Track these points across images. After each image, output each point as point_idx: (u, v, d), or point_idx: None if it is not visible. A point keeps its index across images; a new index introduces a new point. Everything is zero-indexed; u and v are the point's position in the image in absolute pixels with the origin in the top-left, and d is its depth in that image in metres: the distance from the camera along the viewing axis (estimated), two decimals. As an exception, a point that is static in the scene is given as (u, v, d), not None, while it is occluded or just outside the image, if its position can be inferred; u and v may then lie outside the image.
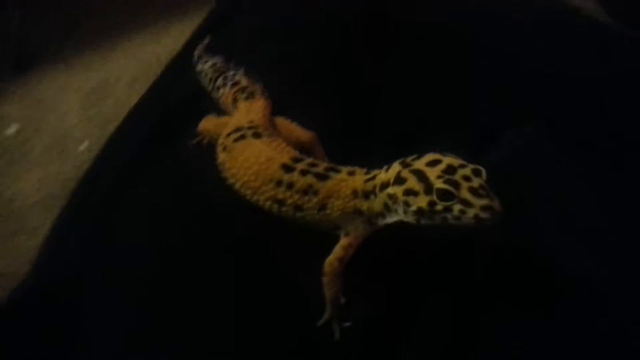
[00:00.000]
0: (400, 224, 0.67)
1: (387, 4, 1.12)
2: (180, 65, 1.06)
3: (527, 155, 0.82)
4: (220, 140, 0.79)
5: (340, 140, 0.84)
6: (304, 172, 0.70)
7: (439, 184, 0.59)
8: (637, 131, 0.84)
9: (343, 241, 0.69)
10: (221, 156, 0.77)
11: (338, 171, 0.70)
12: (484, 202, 0.57)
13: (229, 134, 0.78)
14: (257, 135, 0.77)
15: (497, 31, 1.01)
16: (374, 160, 0.70)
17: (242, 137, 0.77)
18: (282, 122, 0.83)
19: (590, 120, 0.87)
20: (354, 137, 0.87)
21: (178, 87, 1.02)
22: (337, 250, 0.68)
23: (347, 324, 0.69)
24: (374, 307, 0.70)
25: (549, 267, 0.69)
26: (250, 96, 0.85)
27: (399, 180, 0.62)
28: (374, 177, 0.67)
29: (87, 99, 2.18)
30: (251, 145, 0.75)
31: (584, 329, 0.64)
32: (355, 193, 0.68)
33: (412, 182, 0.61)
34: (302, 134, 0.82)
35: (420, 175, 0.61)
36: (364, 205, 0.67)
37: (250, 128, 0.78)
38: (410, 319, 0.69)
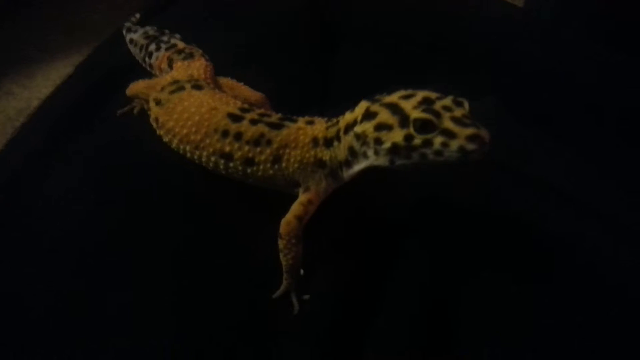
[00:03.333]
0: (366, 181, 0.58)
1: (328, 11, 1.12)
2: (111, 43, 0.94)
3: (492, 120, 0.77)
4: (153, 95, 0.67)
5: (291, 105, 0.74)
6: (254, 122, 0.60)
7: (416, 114, 0.50)
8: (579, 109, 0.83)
9: (302, 197, 0.58)
10: (155, 111, 0.65)
11: (294, 120, 0.61)
12: (469, 130, 0.49)
13: (163, 88, 0.67)
14: (198, 87, 0.66)
15: (426, 26, 0.99)
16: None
17: (181, 88, 0.66)
18: (228, 82, 0.73)
19: (541, 99, 0.85)
20: (305, 102, 0.78)
21: (107, 61, 0.90)
22: (295, 208, 0.58)
23: (307, 296, 0.58)
24: (338, 278, 0.60)
25: (531, 227, 0.62)
26: (189, 57, 0.75)
27: (369, 115, 0.53)
28: (336, 123, 0.58)
29: (7, 125, 2.02)
30: (191, 96, 0.64)
31: (568, 290, 0.57)
32: (315, 141, 0.58)
33: (385, 115, 0.52)
34: (251, 94, 0.72)
35: (394, 107, 0.52)
36: (326, 155, 0.58)
37: (189, 81, 0.67)
38: (379, 290, 0.58)
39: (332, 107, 0.66)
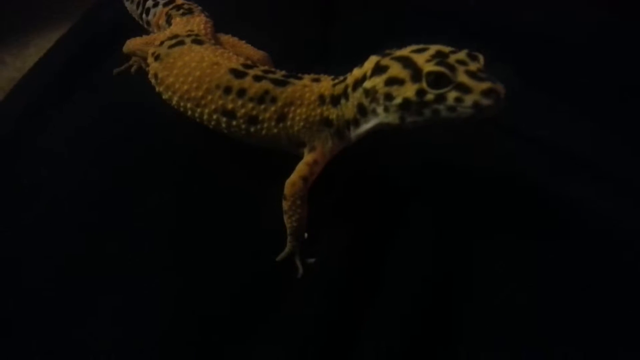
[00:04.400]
0: (372, 144, 0.55)
1: None
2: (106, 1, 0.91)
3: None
4: (151, 50, 0.64)
5: (296, 64, 0.71)
6: (258, 78, 0.57)
7: (429, 67, 0.47)
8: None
9: (308, 157, 0.56)
10: (153, 66, 0.62)
11: (300, 78, 0.58)
12: (485, 85, 0.46)
13: (162, 43, 0.64)
14: (198, 42, 0.63)
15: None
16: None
17: (180, 43, 0.63)
18: (229, 39, 0.70)
19: (550, 66, 0.82)
20: (308, 61, 0.75)
21: (102, 19, 0.87)
22: (301, 168, 0.55)
23: (312, 260, 0.56)
24: (342, 242, 0.58)
25: (538, 190, 0.60)
26: (188, 12, 0.72)
27: (379, 69, 0.51)
28: (344, 80, 0.56)
29: (0, 94, 1.98)
30: (191, 50, 0.61)
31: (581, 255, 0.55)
32: (321, 99, 0.56)
33: (396, 69, 0.49)
34: (253, 52, 0.69)
35: (405, 61, 0.49)
36: (333, 113, 0.55)
37: (189, 35, 0.64)
38: (383, 257, 0.56)
39: (336, 66, 0.64)
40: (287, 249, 0.56)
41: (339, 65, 0.61)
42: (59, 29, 2.24)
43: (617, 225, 0.58)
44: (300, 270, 0.55)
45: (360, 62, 0.55)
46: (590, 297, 0.52)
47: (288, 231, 0.55)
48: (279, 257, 0.56)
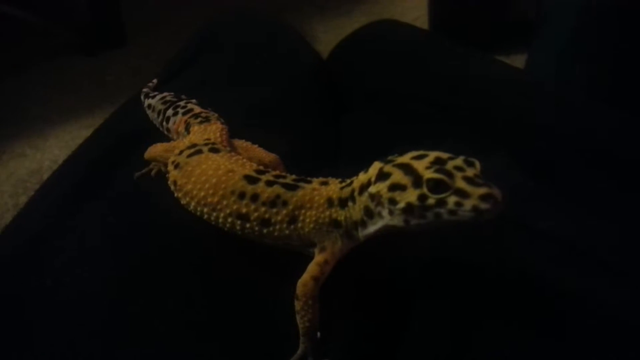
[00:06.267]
0: (381, 240, 0.58)
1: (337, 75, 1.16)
2: (129, 107, 0.98)
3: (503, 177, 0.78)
4: (171, 159, 0.69)
5: (305, 166, 0.76)
6: (270, 183, 0.61)
7: (429, 174, 0.51)
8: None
9: (318, 258, 0.59)
10: (173, 174, 0.67)
11: (309, 181, 0.62)
12: (482, 190, 0.50)
13: (181, 151, 0.69)
14: (215, 150, 0.68)
15: (435, 87, 1.02)
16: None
17: (198, 152, 0.67)
18: (243, 144, 0.75)
19: (547, 155, 0.86)
20: (318, 162, 0.80)
21: (125, 125, 0.93)
22: (312, 268, 0.58)
23: None
24: (356, 339, 0.59)
25: (547, 284, 0.62)
26: (205, 121, 0.77)
27: (382, 176, 0.54)
28: (350, 183, 0.59)
29: (18, 186, 2.04)
30: (208, 159, 0.66)
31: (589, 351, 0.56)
32: (330, 202, 0.59)
33: (398, 176, 0.53)
34: (265, 155, 0.74)
35: (406, 168, 0.53)
36: (341, 215, 0.59)
37: (206, 144, 0.69)
38: (398, 348, 0.58)
39: (344, 167, 0.67)
40: (300, 350, 0.57)
41: (347, 165, 0.65)
42: (79, 122, 2.34)
43: (622, 320, 0.59)
44: (314, 372, 0.56)
45: (367, 162, 0.59)
46: None
47: (301, 332, 0.57)
48: (293, 359, 0.57)
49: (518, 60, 1.74)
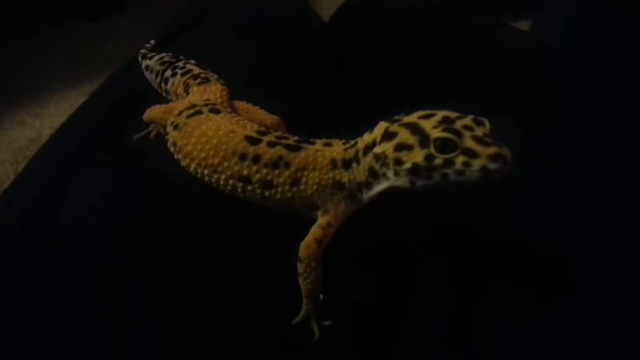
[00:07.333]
0: (385, 202, 0.57)
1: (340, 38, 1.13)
2: (126, 70, 0.95)
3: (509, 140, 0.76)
4: (170, 120, 0.67)
5: (307, 128, 0.74)
6: (272, 144, 0.60)
7: (437, 133, 0.49)
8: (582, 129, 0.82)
9: (321, 220, 0.58)
10: (172, 135, 0.65)
11: (312, 143, 0.60)
12: (492, 150, 0.48)
13: (180, 112, 0.67)
14: (215, 111, 0.66)
15: (440, 50, 1.00)
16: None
17: (198, 112, 0.66)
18: (244, 105, 0.73)
19: (555, 120, 0.84)
20: (320, 125, 0.78)
21: (122, 87, 0.91)
22: (315, 231, 0.57)
23: (328, 322, 0.56)
24: (359, 301, 0.58)
25: (551, 247, 0.61)
26: (205, 82, 0.75)
27: (388, 135, 0.53)
28: (355, 144, 0.58)
29: (19, 154, 2.03)
30: (209, 119, 0.64)
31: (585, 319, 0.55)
32: (333, 163, 0.58)
33: (405, 136, 0.51)
34: (267, 117, 0.72)
35: (413, 127, 0.51)
36: (345, 176, 0.57)
37: (206, 105, 0.67)
38: (401, 310, 0.57)
39: (346, 130, 0.66)
40: (302, 312, 0.56)
41: (349, 128, 0.63)
42: (78, 89, 2.31)
43: (629, 286, 0.58)
44: (317, 333, 0.56)
45: (370, 125, 0.57)
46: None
47: (303, 294, 0.56)
48: (295, 320, 0.56)
49: (525, 24, 1.70)
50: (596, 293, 0.56)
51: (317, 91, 0.91)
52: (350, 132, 0.60)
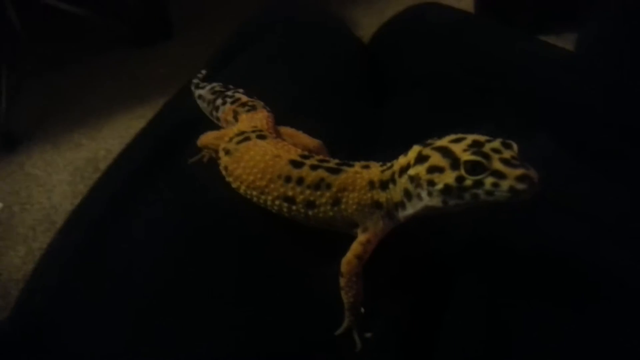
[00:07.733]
0: (421, 220, 0.61)
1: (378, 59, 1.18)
2: (180, 97, 1.03)
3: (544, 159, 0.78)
4: (222, 146, 0.74)
5: (347, 151, 0.79)
6: (314, 167, 0.65)
7: (466, 157, 0.53)
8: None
9: (361, 237, 0.62)
10: (224, 160, 0.72)
11: (351, 165, 0.65)
12: (519, 171, 0.52)
13: (231, 139, 0.73)
14: (261, 137, 0.72)
15: (479, 70, 1.02)
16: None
17: (246, 139, 0.72)
18: (288, 130, 0.79)
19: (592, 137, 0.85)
20: (359, 148, 0.82)
21: (177, 114, 0.98)
22: (355, 247, 0.61)
23: (369, 334, 0.61)
24: (398, 315, 0.62)
25: (585, 266, 0.63)
26: (252, 109, 0.81)
27: (421, 159, 0.57)
28: (391, 166, 0.62)
29: (76, 175, 2.15)
30: (256, 145, 0.70)
31: (622, 330, 0.57)
32: (371, 184, 0.62)
33: (436, 158, 0.56)
34: (309, 141, 0.77)
35: (444, 151, 0.56)
36: (382, 197, 0.61)
37: (254, 132, 0.73)
38: (439, 324, 0.60)
39: (384, 152, 0.70)
40: (345, 324, 0.61)
41: (387, 150, 0.67)
42: (131, 113, 2.42)
43: None
44: (359, 344, 0.60)
45: (406, 148, 0.61)
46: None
47: (346, 307, 0.61)
48: (338, 332, 0.61)
49: (569, 42, 1.69)
50: (634, 310, 0.58)
51: (357, 113, 0.95)
52: (389, 152, 0.65)
